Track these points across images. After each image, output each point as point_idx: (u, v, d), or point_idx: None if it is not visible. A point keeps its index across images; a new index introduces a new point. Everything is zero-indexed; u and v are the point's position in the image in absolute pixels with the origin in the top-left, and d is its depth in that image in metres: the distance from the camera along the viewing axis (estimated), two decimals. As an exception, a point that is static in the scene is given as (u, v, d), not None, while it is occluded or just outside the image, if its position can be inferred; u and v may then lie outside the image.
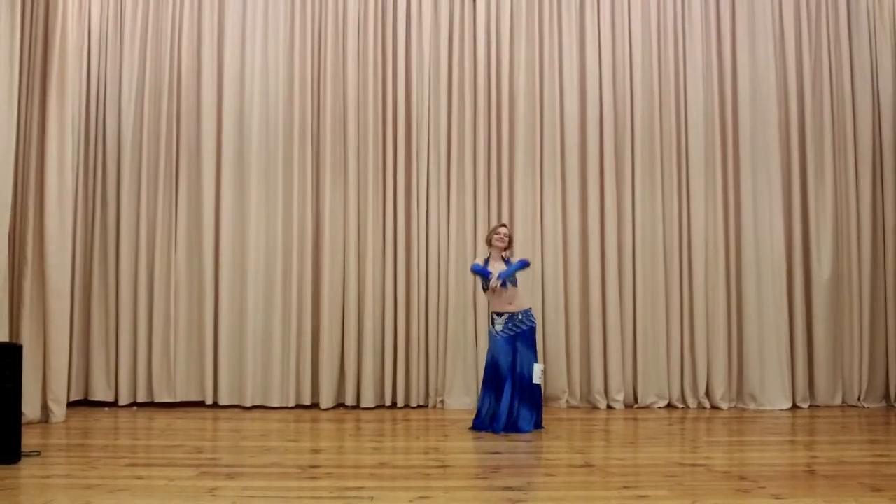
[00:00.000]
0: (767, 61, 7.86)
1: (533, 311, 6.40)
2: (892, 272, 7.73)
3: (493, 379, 6.18)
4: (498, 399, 6.11)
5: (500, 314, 6.25)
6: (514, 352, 6.15)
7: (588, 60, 7.87)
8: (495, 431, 5.99)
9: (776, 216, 7.72)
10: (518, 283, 6.34)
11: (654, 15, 7.93)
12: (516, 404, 6.08)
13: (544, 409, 7.24)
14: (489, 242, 6.45)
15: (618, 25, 7.93)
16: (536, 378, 6.14)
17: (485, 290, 6.37)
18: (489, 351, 6.31)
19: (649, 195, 7.78)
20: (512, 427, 6.02)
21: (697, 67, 7.88)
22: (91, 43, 7.72)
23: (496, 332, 6.23)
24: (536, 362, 6.21)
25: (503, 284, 6.18)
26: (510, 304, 6.23)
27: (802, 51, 7.93)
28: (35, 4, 6.50)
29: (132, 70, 7.75)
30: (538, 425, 6.20)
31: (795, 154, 7.82)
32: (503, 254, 6.40)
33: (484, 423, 6.14)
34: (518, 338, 6.18)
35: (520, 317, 6.23)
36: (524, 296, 6.44)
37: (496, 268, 6.28)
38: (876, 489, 4.06)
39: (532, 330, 6.29)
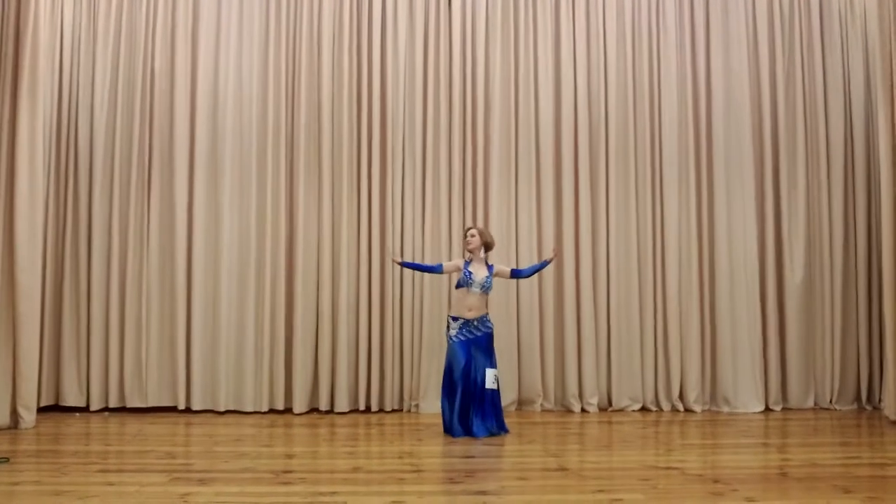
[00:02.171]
0: (741, 68, 7.92)
1: (489, 317, 6.38)
2: (864, 276, 7.82)
3: (448, 384, 6.18)
4: (452, 404, 6.12)
5: (455, 318, 6.25)
6: (469, 357, 6.15)
7: (563, 65, 7.89)
8: (454, 436, 5.99)
9: (749, 221, 7.79)
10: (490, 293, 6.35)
11: (629, 21, 7.97)
12: (470, 410, 6.07)
13: (518, 412, 7.32)
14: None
15: (592, 32, 7.95)
16: (489, 383, 6.13)
17: (457, 287, 6.33)
18: (446, 356, 6.30)
19: (623, 199, 7.81)
20: (467, 432, 6.03)
21: (671, 74, 7.93)
22: (63, 43, 7.64)
23: (451, 336, 6.24)
24: (492, 367, 6.19)
25: (523, 274, 6.50)
26: (470, 310, 6.21)
27: (776, 58, 8.00)
28: (6, 3, 6.41)
29: (105, 71, 7.67)
30: (501, 429, 6.18)
31: (768, 159, 7.90)
32: (483, 257, 6.37)
33: (448, 427, 6.12)
34: (473, 343, 6.19)
35: (475, 322, 6.22)
36: (485, 304, 6.39)
37: (477, 270, 6.27)
38: (847, 491, 4.10)
39: (487, 335, 6.27)
